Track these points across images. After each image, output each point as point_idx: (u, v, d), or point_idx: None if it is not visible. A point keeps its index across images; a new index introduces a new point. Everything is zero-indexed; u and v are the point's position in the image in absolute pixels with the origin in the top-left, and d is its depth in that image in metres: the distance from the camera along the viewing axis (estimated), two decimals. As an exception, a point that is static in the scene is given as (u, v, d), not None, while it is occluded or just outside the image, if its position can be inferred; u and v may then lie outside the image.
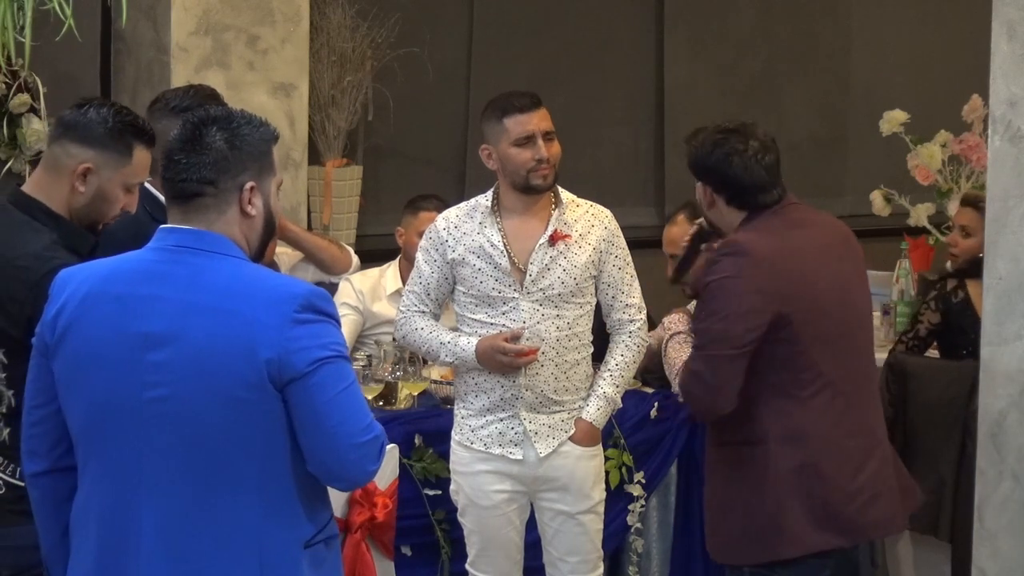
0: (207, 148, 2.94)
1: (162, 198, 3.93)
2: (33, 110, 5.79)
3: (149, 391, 2.91)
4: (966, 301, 5.41)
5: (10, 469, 3.45)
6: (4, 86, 5.73)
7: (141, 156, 3.54)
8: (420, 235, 5.17)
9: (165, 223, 3.96)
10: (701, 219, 4.18)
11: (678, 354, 5.14)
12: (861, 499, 3.89)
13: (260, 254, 3.03)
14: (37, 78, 5.78)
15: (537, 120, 4.39)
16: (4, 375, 3.41)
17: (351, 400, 2.88)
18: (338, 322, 2.94)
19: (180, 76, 5.83)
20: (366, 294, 5.62)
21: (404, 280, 5.59)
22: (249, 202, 2.97)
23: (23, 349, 3.36)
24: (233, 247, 2.96)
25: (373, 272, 5.71)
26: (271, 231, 3.02)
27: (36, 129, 5.70)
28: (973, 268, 5.40)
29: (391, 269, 5.70)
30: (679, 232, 5.28)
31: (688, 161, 4.05)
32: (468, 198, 4.60)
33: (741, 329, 3.77)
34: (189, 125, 2.96)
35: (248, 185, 2.96)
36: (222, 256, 2.94)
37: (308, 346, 2.84)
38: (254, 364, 2.84)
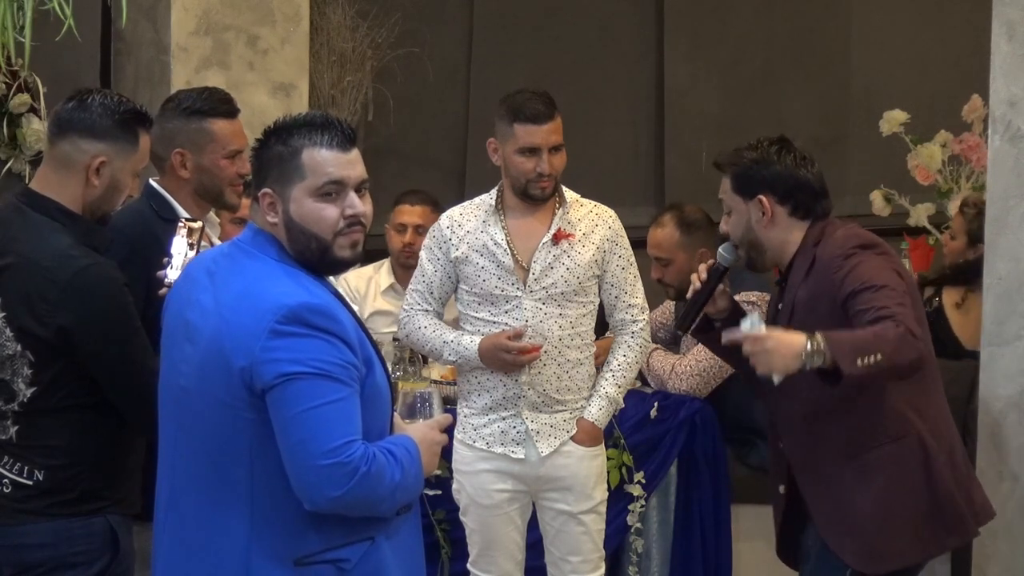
0: (255, 156, 3.03)
1: (168, 196, 3.94)
2: (33, 110, 5.80)
3: (180, 379, 2.97)
4: (939, 311, 5.41)
5: (17, 467, 3.44)
6: (4, 86, 5.74)
7: (144, 141, 3.55)
8: (396, 228, 5.45)
9: (171, 220, 3.98)
10: (712, 260, 3.96)
11: (662, 364, 5.15)
12: (976, 480, 3.88)
13: (320, 265, 3.00)
14: (37, 78, 5.79)
15: (546, 133, 4.36)
16: (29, 372, 3.40)
17: (320, 420, 2.81)
18: (338, 337, 2.87)
19: (180, 76, 5.83)
20: (361, 291, 5.65)
21: (396, 276, 5.64)
22: (266, 209, 2.99)
23: (52, 351, 3.37)
24: (272, 249, 2.97)
25: (367, 269, 5.72)
26: (298, 239, 2.97)
27: (36, 129, 5.71)
28: (955, 275, 5.43)
29: (384, 266, 5.74)
30: (665, 234, 5.26)
31: (742, 176, 3.84)
32: (468, 198, 4.60)
33: (906, 306, 3.61)
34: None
35: (261, 193, 2.98)
36: (260, 257, 2.96)
37: (280, 359, 2.82)
38: (232, 371, 2.86)
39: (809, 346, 3.46)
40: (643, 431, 5.08)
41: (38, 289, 3.38)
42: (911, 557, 3.78)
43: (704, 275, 3.91)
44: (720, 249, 3.93)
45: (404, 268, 5.54)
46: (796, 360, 3.46)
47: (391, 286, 5.67)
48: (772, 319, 3.91)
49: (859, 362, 3.47)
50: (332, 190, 2.95)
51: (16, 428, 3.43)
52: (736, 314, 3.93)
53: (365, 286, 5.68)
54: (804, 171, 3.83)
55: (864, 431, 3.74)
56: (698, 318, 3.96)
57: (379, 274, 5.72)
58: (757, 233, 3.84)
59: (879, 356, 3.48)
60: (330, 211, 2.95)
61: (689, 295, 3.98)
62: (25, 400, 3.41)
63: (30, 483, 3.42)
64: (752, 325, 3.52)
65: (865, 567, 3.80)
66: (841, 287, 3.66)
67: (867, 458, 3.75)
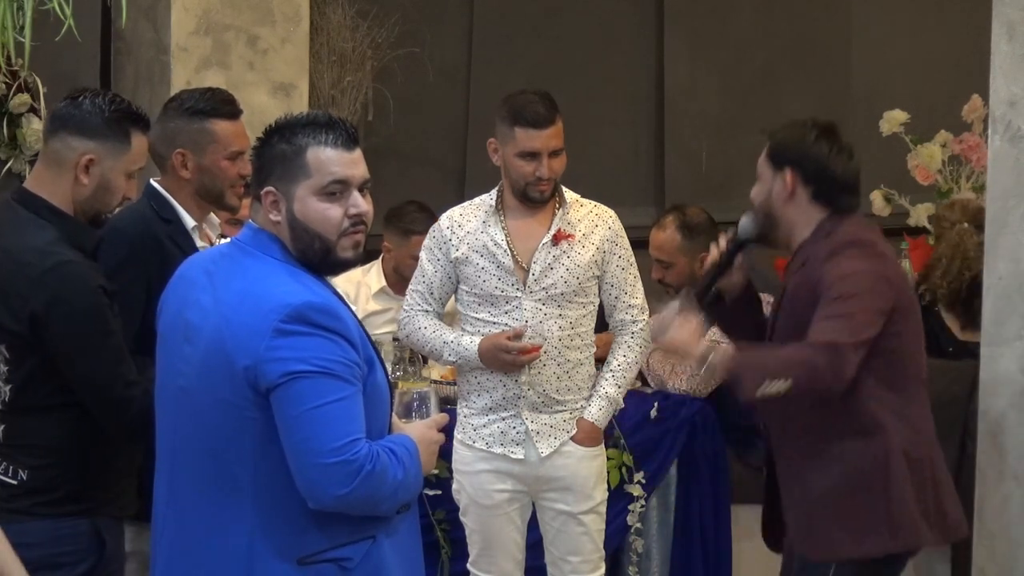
0: (257, 154, 3.03)
1: (168, 197, 3.94)
2: (33, 110, 5.79)
3: (179, 380, 2.97)
4: (931, 305, 5.43)
5: (2, 467, 3.44)
6: (4, 86, 5.74)
7: (139, 142, 3.54)
8: (414, 258, 5.19)
9: (171, 221, 3.97)
10: (731, 231, 3.98)
11: (662, 364, 5.16)
12: (953, 497, 3.89)
13: (322, 265, 3.00)
14: (37, 78, 5.79)
15: (546, 138, 4.35)
16: (5, 368, 3.40)
17: (325, 418, 2.82)
18: (341, 336, 2.88)
19: (180, 76, 5.83)
20: (350, 294, 5.62)
21: (389, 284, 5.61)
22: (269, 207, 2.98)
23: (26, 346, 3.37)
24: (275, 248, 2.96)
25: (354, 273, 5.69)
26: (301, 238, 2.96)
27: (36, 129, 5.70)
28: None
29: (374, 268, 5.71)
30: (666, 237, 5.27)
31: (777, 147, 3.91)
32: (468, 198, 4.61)
33: (868, 319, 3.68)
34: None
35: (264, 191, 2.97)
36: (261, 257, 2.96)
37: (285, 358, 2.82)
38: (235, 370, 2.86)
39: (704, 357, 3.68)
40: (643, 431, 5.08)
41: (13, 283, 3.38)
42: (845, 550, 3.79)
43: (724, 245, 3.95)
44: (741, 220, 3.95)
45: (405, 282, 5.50)
46: (690, 360, 3.78)
47: (382, 289, 5.65)
48: (776, 305, 3.98)
49: (763, 389, 3.60)
50: (336, 189, 2.95)
51: (2, 427, 3.43)
52: (749, 293, 4.00)
53: (355, 290, 5.64)
54: (835, 161, 3.88)
55: (834, 425, 3.78)
56: (713, 289, 3.98)
57: (368, 277, 5.70)
58: (775, 205, 3.88)
59: (788, 383, 3.60)
60: (334, 211, 2.95)
61: (706, 266, 4.03)
62: (7, 399, 3.41)
63: (15, 482, 3.42)
64: (674, 308, 3.77)
65: (801, 547, 3.86)
66: (819, 286, 3.72)
67: (831, 449, 3.80)
